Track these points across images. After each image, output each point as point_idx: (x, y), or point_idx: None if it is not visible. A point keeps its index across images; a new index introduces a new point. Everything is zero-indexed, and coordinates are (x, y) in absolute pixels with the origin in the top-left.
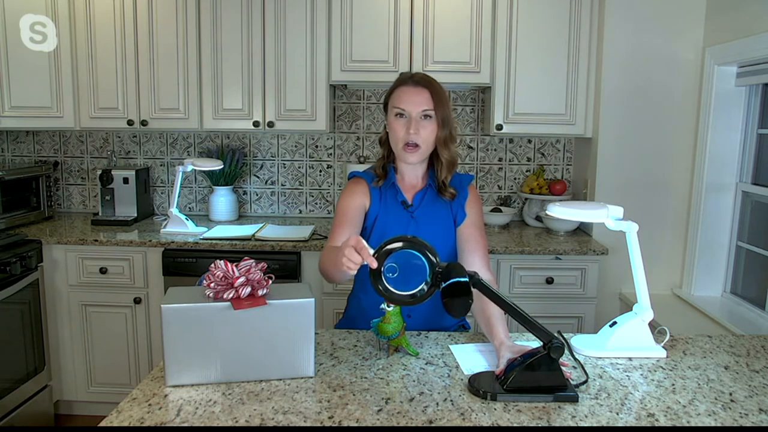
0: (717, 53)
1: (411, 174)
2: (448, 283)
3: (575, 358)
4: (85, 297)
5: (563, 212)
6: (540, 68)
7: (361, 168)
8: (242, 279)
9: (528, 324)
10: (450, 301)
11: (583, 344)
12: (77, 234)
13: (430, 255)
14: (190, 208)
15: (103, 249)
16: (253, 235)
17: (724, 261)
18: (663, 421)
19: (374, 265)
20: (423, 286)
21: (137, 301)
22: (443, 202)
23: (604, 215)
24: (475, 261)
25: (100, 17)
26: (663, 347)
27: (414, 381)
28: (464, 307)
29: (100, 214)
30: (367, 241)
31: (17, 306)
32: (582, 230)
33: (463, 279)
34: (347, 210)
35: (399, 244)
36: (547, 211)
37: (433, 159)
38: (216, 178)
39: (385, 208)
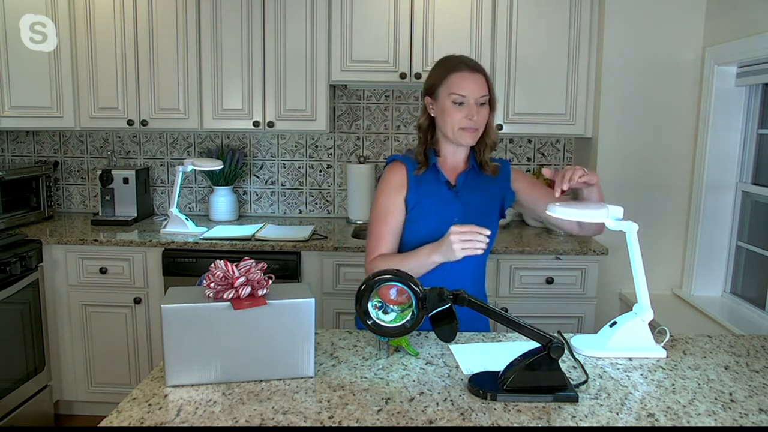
0: (717, 53)
1: (455, 156)
2: (432, 312)
3: (575, 358)
4: (85, 297)
5: (563, 212)
6: (540, 68)
7: (362, 167)
8: (242, 279)
9: (523, 330)
10: (437, 329)
11: (583, 344)
12: (77, 234)
13: (413, 286)
14: (190, 208)
15: (103, 249)
16: (253, 235)
17: (724, 261)
18: (663, 421)
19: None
20: (410, 316)
21: (137, 301)
22: (488, 182)
23: (604, 215)
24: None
25: (100, 17)
26: (663, 347)
27: (414, 381)
28: (451, 332)
29: (100, 214)
30: (407, 226)
31: (17, 306)
32: None
33: (444, 306)
34: (386, 215)
35: (383, 278)
36: (547, 211)
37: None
38: (216, 178)
39: (426, 192)
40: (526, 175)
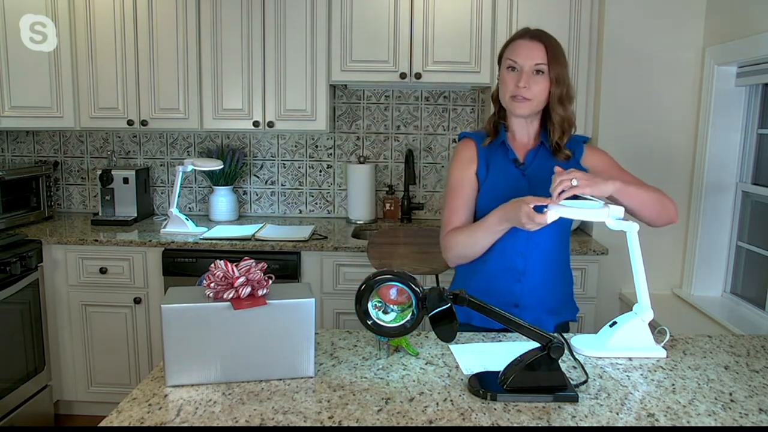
0: (717, 53)
1: (522, 132)
2: (432, 312)
3: (575, 358)
4: (85, 297)
5: (563, 212)
6: None
7: (362, 167)
8: (242, 279)
9: (523, 330)
10: (437, 329)
11: (583, 344)
12: (77, 234)
13: (413, 286)
14: (190, 208)
15: (103, 249)
16: (253, 235)
17: (724, 261)
18: (663, 421)
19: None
20: (410, 316)
21: (137, 301)
22: (558, 163)
23: (604, 215)
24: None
25: (100, 17)
26: (663, 347)
27: (414, 381)
28: (451, 331)
29: (100, 214)
30: (478, 202)
31: (17, 306)
32: (582, 230)
33: (444, 306)
34: (459, 188)
35: (383, 278)
36: (545, 211)
37: (547, 119)
38: (216, 178)
39: (494, 168)
40: (602, 154)
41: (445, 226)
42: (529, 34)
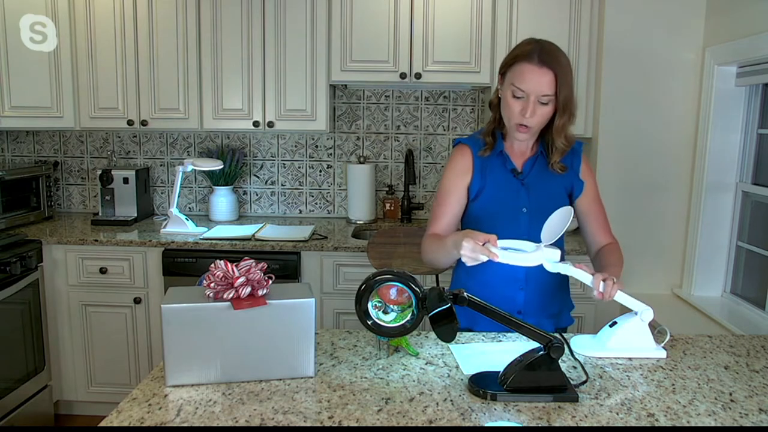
0: (717, 53)
1: (521, 142)
2: (432, 312)
3: (575, 358)
4: (85, 297)
5: (504, 256)
6: None
7: (362, 167)
8: (242, 279)
9: (523, 330)
10: (437, 329)
11: (583, 344)
12: (77, 234)
13: (413, 286)
14: (190, 208)
15: (103, 249)
16: (253, 235)
17: (724, 261)
18: (663, 421)
19: (497, 257)
20: (410, 316)
21: (137, 301)
22: (555, 173)
23: (539, 258)
24: (599, 233)
25: (100, 17)
26: (663, 347)
27: (414, 381)
28: (451, 332)
29: (100, 214)
30: (475, 212)
31: (17, 306)
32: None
33: (444, 306)
34: (447, 196)
35: (383, 278)
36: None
37: (546, 130)
38: (216, 178)
39: (492, 178)
40: (591, 178)
41: (428, 228)
42: (537, 57)
